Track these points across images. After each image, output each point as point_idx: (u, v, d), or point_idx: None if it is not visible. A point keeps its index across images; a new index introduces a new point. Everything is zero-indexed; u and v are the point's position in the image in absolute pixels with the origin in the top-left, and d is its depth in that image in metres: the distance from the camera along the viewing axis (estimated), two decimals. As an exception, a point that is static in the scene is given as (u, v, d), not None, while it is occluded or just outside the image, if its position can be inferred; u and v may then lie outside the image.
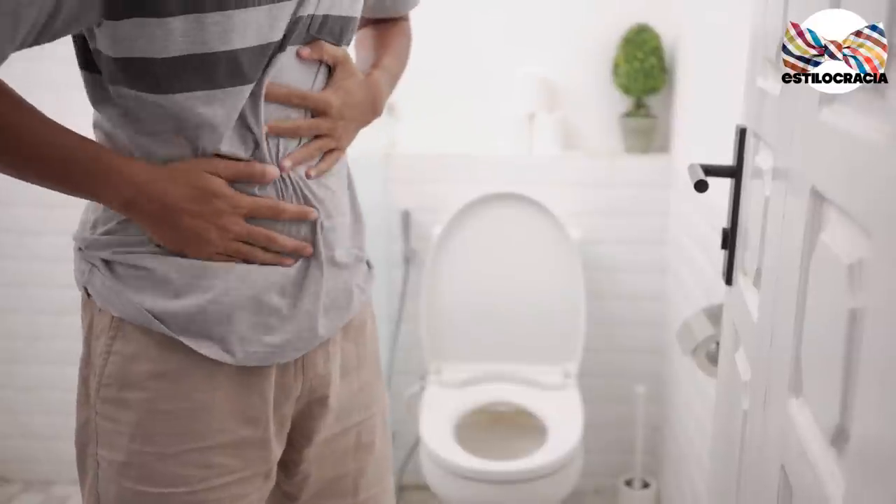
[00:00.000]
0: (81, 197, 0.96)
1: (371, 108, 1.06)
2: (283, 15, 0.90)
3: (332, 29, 0.98)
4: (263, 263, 0.96)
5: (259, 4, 0.87)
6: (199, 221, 0.92)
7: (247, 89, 0.90)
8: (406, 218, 2.39)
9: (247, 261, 0.96)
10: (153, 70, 0.86)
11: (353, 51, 1.14)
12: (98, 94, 0.93)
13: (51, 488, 2.55)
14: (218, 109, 0.89)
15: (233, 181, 0.93)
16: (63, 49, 0.96)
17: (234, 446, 0.97)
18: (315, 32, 0.96)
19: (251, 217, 0.94)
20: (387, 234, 2.40)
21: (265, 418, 0.99)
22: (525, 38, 2.35)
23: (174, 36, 0.84)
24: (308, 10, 0.93)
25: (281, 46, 0.92)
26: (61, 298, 2.36)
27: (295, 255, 0.98)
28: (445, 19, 2.34)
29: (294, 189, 0.96)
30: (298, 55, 0.95)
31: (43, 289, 2.45)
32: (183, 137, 0.91)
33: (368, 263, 1.14)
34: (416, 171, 2.39)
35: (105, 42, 0.86)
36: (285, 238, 0.96)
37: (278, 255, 0.97)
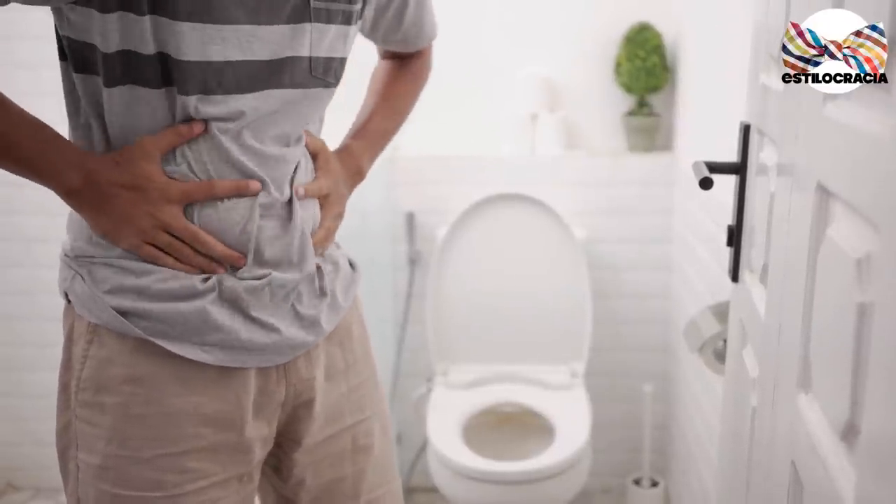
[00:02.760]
0: (33, 181, 0.95)
1: (352, 177, 1.13)
2: (236, 37, 0.90)
3: (336, 69, 1.01)
4: (189, 266, 0.94)
5: (202, 21, 0.88)
6: (130, 206, 0.91)
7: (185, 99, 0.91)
8: (410, 220, 2.40)
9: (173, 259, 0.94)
10: (96, 60, 0.89)
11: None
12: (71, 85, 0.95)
13: (60, 495, 2.54)
14: (145, 110, 0.91)
15: (164, 153, 0.92)
16: (37, 27, 0.96)
17: (210, 451, 0.98)
18: (320, 74, 0.99)
19: (188, 203, 0.93)
20: (391, 236, 2.41)
21: (240, 422, 0.99)
22: (526, 39, 2.35)
23: (111, 31, 0.87)
24: (301, 52, 0.95)
25: (268, 83, 0.94)
26: (68, 305, 2.36)
27: (227, 262, 0.96)
28: (447, 21, 2.33)
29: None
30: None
31: (50, 296, 2.44)
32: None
33: (352, 265, 1.14)
34: (420, 172, 2.39)
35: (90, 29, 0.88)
36: (213, 241, 0.94)
37: (207, 261, 0.94)
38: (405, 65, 1.24)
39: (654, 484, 2.41)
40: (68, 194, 0.92)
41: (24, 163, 0.92)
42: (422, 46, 1.23)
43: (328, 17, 0.98)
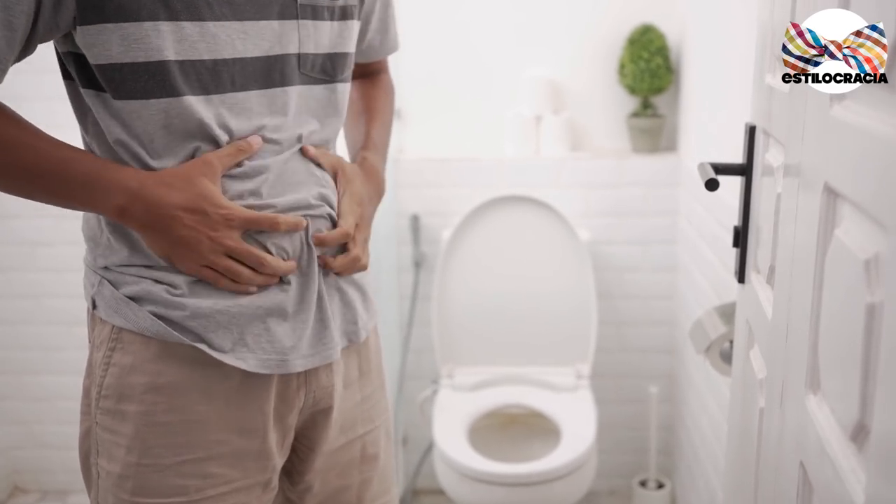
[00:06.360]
0: (76, 209, 0.94)
1: (378, 194, 1.13)
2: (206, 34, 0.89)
3: (325, 67, 1.00)
4: (246, 285, 0.93)
5: (162, 19, 0.87)
6: (191, 231, 0.89)
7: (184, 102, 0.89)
8: (415, 222, 2.40)
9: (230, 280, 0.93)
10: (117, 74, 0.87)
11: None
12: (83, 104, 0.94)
13: (67, 498, 2.56)
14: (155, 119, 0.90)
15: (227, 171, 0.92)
16: (53, 61, 0.95)
17: (232, 456, 0.97)
18: (307, 71, 0.98)
19: (247, 230, 0.92)
20: (396, 238, 2.41)
21: (263, 430, 0.99)
22: (530, 41, 2.35)
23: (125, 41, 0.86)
24: (290, 50, 0.95)
25: (269, 80, 0.94)
26: (73, 309, 2.37)
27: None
28: (450, 23, 2.35)
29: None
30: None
31: (55, 299, 2.46)
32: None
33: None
34: (424, 175, 2.39)
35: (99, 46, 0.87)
36: (277, 260, 0.94)
37: (265, 277, 0.94)
38: (374, 82, 1.22)
39: (661, 485, 2.40)
40: (117, 215, 0.90)
41: (71, 198, 0.91)
42: (383, 56, 1.20)
43: (314, 14, 0.97)
